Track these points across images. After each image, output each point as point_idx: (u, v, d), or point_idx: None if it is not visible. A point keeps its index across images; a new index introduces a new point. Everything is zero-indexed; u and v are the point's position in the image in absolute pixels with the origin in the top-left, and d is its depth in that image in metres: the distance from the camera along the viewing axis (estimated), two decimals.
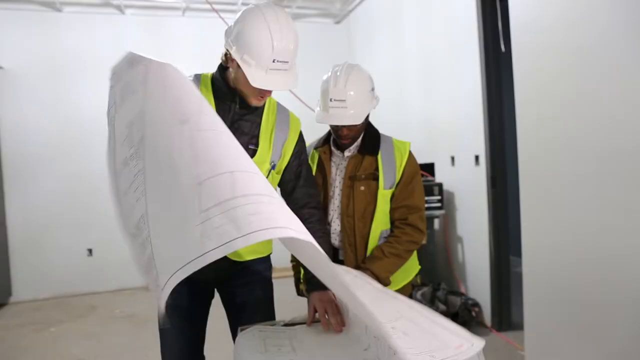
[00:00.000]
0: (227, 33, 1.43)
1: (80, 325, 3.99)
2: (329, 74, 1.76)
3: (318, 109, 1.80)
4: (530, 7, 2.62)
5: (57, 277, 4.83)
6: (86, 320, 4.14)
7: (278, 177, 1.65)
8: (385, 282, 1.71)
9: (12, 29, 4.67)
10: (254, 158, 1.53)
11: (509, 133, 3.07)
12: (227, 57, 1.46)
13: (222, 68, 1.52)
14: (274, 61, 1.35)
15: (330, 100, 1.70)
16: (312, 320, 1.47)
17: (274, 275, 1.76)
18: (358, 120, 1.71)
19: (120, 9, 5.00)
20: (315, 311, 1.47)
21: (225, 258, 1.44)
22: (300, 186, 1.65)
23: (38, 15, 4.75)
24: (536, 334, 2.67)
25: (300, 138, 1.66)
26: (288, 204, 1.61)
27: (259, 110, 1.58)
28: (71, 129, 4.86)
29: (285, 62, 1.37)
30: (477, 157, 3.43)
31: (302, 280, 1.94)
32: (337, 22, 5.82)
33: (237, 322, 1.55)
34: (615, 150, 2.11)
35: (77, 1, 4.86)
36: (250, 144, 1.55)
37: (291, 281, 1.95)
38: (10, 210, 4.71)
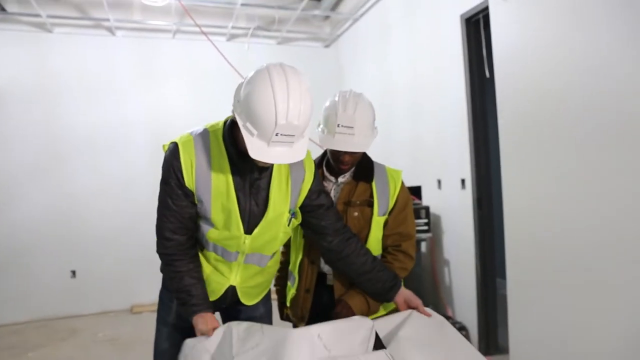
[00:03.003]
0: (237, 91, 1.35)
1: (60, 350, 3.88)
2: (336, 99, 1.73)
3: (321, 132, 1.76)
4: (511, 35, 2.70)
5: (39, 299, 4.71)
6: (67, 344, 4.03)
7: (298, 222, 1.63)
8: (374, 310, 1.74)
9: (2, 48, 4.67)
10: (267, 214, 1.50)
11: (495, 157, 3.12)
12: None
13: (233, 122, 1.43)
14: (277, 134, 1.25)
15: (338, 125, 1.67)
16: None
17: None
18: (364, 148, 1.70)
19: (111, 30, 5.03)
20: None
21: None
22: (328, 212, 1.63)
23: (29, 36, 4.76)
24: (522, 357, 2.67)
25: (316, 175, 1.62)
26: (323, 241, 1.64)
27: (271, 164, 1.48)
28: (58, 150, 4.83)
29: (290, 135, 1.27)
30: (463, 181, 3.47)
31: (287, 305, 1.93)
32: (327, 46, 5.92)
33: None
34: (600, 171, 2.15)
35: (68, 22, 4.89)
36: (268, 199, 1.51)
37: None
38: None
